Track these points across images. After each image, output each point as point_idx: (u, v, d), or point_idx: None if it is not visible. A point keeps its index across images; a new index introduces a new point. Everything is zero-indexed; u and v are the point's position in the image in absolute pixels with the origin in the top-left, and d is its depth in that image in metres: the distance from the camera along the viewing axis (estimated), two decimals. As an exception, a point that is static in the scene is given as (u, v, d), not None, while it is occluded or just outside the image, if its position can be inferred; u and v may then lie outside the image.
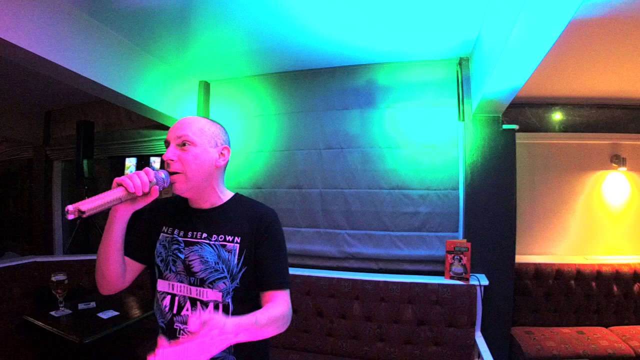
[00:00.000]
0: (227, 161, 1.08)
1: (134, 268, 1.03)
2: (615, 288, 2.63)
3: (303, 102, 2.72)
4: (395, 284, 2.28)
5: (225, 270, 0.97)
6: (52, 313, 2.30)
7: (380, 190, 2.51)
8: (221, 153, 1.05)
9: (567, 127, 2.99)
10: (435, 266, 2.39)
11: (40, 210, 3.86)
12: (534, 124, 2.99)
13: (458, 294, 2.20)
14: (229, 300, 0.97)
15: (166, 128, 2.92)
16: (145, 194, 0.89)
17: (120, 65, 2.19)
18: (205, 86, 2.97)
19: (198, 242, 1.00)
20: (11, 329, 2.48)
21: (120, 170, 3.73)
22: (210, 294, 0.96)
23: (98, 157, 3.67)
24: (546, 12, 1.22)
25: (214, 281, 0.97)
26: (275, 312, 0.91)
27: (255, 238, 1.00)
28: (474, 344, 2.13)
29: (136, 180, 0.86)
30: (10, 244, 4.24)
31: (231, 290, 0.97)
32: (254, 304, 1.00)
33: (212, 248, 0.99)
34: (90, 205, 0.78)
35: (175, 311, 0.98)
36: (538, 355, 2.25)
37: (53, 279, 2.31)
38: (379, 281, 2.31)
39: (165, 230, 1.04)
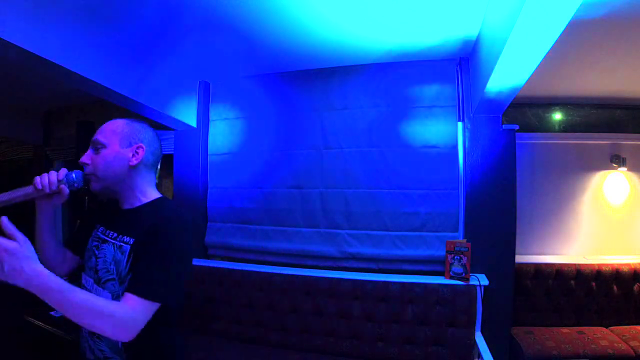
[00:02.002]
0: (141, 160, 1.05)
1: (73, 259, 1.14)
2: (615, 288, 2.63)
3: (303, 102, 2.72)
4: (395, 284, 2.28)
5: (115, 271, 0.98)
6: (52, 313, 2.30)
7: (380, 190, 2.51)
8: (135, 152, 1.05)
9: (567, 127, 2.99)
10: (435, 266, 2.39)
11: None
12: (534, 124, 2.99)
13: (458, 294, 2.20)
14: None
15: (166, 128, 2.92)
16: (55, 192, 0.99)
17: (120, 65, 2.18)
18: (205, 86, 2.97)
19: (108, 241, 1.03)
20: (11, 329, 2.48)
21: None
22: (103, 294, 0.98)
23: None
24: (546, 12, 1.22)
25: (105, 282, 0.99)
26: (105, 304, 0.86)
27: (145, 245, 0.96)
28: (474, 344, 2.13)
29: (45, 179, 0.97)
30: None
31: (120, 293, 0.95)
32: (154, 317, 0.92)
33: (113, 248, 1.01)
34: (3, 199, 0.94)
35: None
36: (538, 355, 2.25)
37: (53, 279, 2.30)
38: (379, 281, 2.31)
39: (96, 228, 1.09)
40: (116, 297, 0.96)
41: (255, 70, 2.77)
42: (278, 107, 2.78)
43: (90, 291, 1.00)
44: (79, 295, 0.83)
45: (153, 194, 1.09)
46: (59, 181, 1.00)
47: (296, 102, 2.74)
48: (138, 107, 2.46)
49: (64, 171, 1.01)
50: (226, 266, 2.61)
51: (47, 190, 0.98)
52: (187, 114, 2.85)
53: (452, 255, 2.27)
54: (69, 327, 2.15)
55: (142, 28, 2.08)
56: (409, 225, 2.45)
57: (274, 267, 2.59)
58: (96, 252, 1.03)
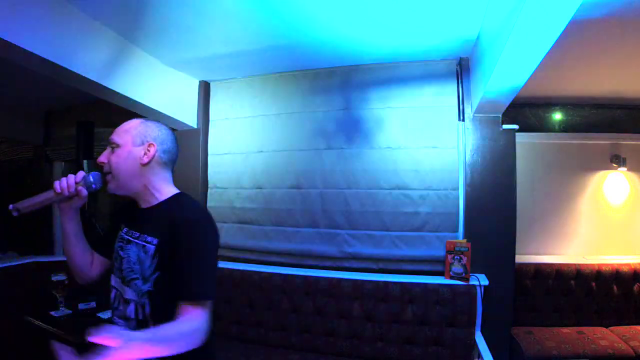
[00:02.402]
0: (152, 157, 1.05)
1: (101, 261, 1.16)
2: (615, 288, 2.63)
3: (303, 102, 2.72)
4: (395, 284, 2.28)
5: (139, 271, 0.99)
6: (52, 313, 2.30)
7: (380, 190, 2.51)
8: (146, 150, 1.05)
9: (567, 127, 2.99)
10: (435, 266, 2.39)
11: (40, 211, 3.85)
12: (534, 124, 2.99)
13: (458, 294, 2.20)
14: (145, 301, 0.98)
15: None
16: (73, 195, 1.02)
17: (120, 65, 2.18)
18: (205, 86, 2.97)
19: (131, 241, 1.04)
20: (11, 329, 2.48)
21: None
22: (129, 292, 1.01)
23: (98, 157, 3.67)
24: (546, 12, 1.22)
25: (129, 280, 1.01)
26: (177, 328, 0.89)
27: (172, 244, 0.96)
28: (474, 344, 2.13)
29: (63, 183, 1.00)
30: (11, 244, 4.24)
31: (145, 291, 0.98)
32: (173, 311, 0.93)
33: (137, 247, 1.02)
34: (25, 204, 0.98)
35: (115, 305, 1.06)
36: (538, 355, 2.25)
37: (53, 279, 2.31)
38: (379, 281, 2.31)
39: (121, 229, 1.11)
40: (143, 295, 0.98)
41: (255, 70, 2.77)
42: (278, 107, 2.78)
43: (118, 291, 1.05)
44: (159, 333, 0.87)
45: (169, 191, 1.09)
46: (77, 183, 1.02)
47: (296, 102, 2.73)
48: (138, 107, 2.46)
49: (81, 174, 1.04)
50: (226, 266, 2.61)
51: (66, 194, 1.01)
52: (187, 114, 2.85)
53: (452, 255, 2.27)
54: (69, 328, 2.15)
55: (142, 28, 2.07)
56: (409, 225, 2.45)
57: (274, 267, 2.59)
58: (121, 253, 1.05)
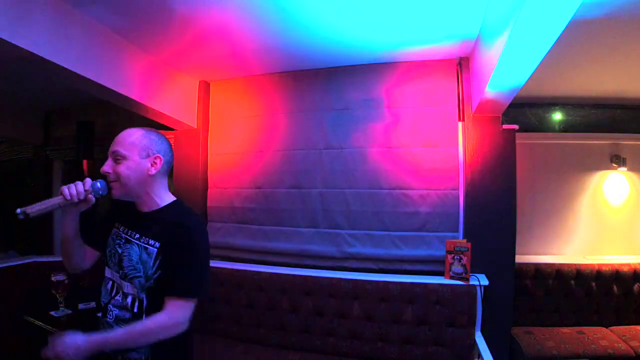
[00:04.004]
0: (159, 169, 1.17)
1: (93, 253, 1.25)
2: (615, 288, 2.63)
3: (303, 102, 2.72)
4: (395, 284, 2.28)
5: (142, 270, 1.11)
6: (52, 313, 2.30)
7: (380, 190, 2.51)
8: (153, 162, 1.16)
9: (567, 127, 2.99)
10: (435, 266, 2.39)
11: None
12: (534, 124, 2.99)
13: (458, 294, 2.20)
14: (143, 296, 1.11)
15: (167, 128, 2.92)
16: (81, 201, 1.08)
17: (121, 65, 2.19)
18: (205, 86, 2.97)
19: (131, 241, 1.15)
20: (11, 329, 2.48)
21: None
22: (129, 288, 1.12)
23: (98, 157, 3.67)
24: (546, 12, 1.22)
25: (132, 278, 1.11)
26: (158, 321, 1.06)
27: (171, 247, 1.10)
28: (474, 344, 2.13)
29: (72, 189, 1.06)
30: (12, 244, 4.24)
31: (145, 288, 1.10)
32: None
33: (138, 248, 1.13)
34: (34, 209, 0.99)
35: (113, 294, 1.16)
36: (538, 355, 2.25)
37: (53, 279, 2.31)
38: (379, 281, 2.30)
39: (117, 227, 1.21)
40: (142, 290, 1.10)
41: (255, 70, 2.77)
42: (278, 107, 2.78)
43: (116, 283, 1.16)
44: (137, 330, 1.05)
45: (168, 198, 1.21)
46: (86, 191, 1.09)
47: (296, 102, 2.73)
48: (138, 107, 2.46)
49: (89, 181, 1.10)
50: (226, 266, 2.61)
51: (76, 200, 1.07)
52: (187, 114, 2.85)
53: (452, 255, 2.27)
54: (69, 328, 2.15)
55: (142, 28, 2.07)
56: (409, 225, 2.45)
57: (274, 267, 2.59)
58: (119, 250, 1.16)
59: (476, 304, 2.18)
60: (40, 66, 1.76)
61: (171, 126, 2.89)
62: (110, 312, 1.14)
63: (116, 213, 1.24)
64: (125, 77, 2.23)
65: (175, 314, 1.07)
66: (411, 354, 2.19)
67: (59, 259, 3.16)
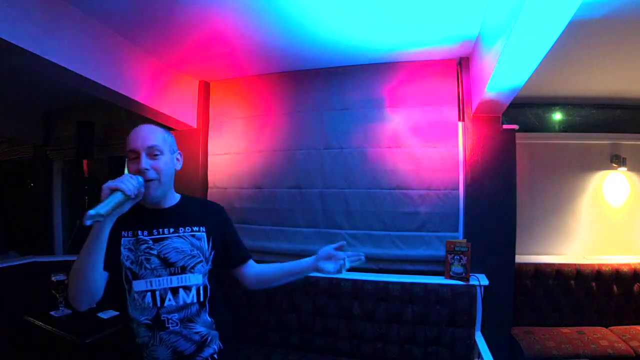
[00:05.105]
0: (181, 165, 1.22)
1: (105, 278, 1.05)
2: (615, 288, 2.63)
3: (303, 102, 2.72)
4: (395, 284, 2.28)
5: (201, 254, 1.14)
6: (52, 313, 2.30)
7: (380, 190, 2.51)
8: (177, 159, 1.20)
9: (567, 127, 2.99)
10: (435, 266, 2.39)
11: (40, 210, 3.85)
12: (534, 124, 2.99)
13: (458, 294, 2.20)
14: (207, 281, 1.15)
15: (167, 128, 2.91)
16: (136, 197, 0.99)
17: (120, 65, 2.19)
18: (205, 86, 2.97)
19: (167, 237, 1.11)
20: (11, 329, 2.48)
21: (120, 171, 3.72)
22: (193, 279, 1.11)
23: (98, 157, 3.67)
24: (546, 12, 1.22)
25: (194, 266, 1.12)
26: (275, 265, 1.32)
27: (218, 227, 1.21)
28: (474, 344, 2.13)
29: (130, 184, 0.96)
30: (12, 244, 4.24)
31: (207, 271, 1.15)
32: (221, 284, 1.23)
33: (183, 239, 1.13)
34: (106, 208, 0.89)
35: (159, 304, 1.08)
36: (538, 355, 2.25)
37: (53, 279, 2.31)
38: (379, 281, 2.31)
39: (126, 235, 1.09)
40: (205, 275, 1.14)
41: (255, 70, 2.77)
42: (278, 107, 2.78)
43: (159, 290, 1.08)
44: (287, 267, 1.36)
45: (176, 193, 1.23)
46: (139, 185, 1.00)
47: (296, 102, 2.73)
48: (138, 107, 2.46)
49: (133, 176, 1.00)
50: (226, 266, 2.61)
51: (133, 196, 0.97)
52: (187, 114, 2.85)
53: (452, 255, 2.27)
54: (69, 328, 2.15)
55: (142, 28, 2.07)
56: (409, 225, 2.45)
57: (274, 267, 2.58)
58: (153, 253, 1.09)
59: (476, 304, 2.18)
60: (39, 65, 1.76)
61: (171, 126, 2.89)
62: (171, 321, 1.07)
63: (119, 223, 1.02)
64: (125, 78, 2.23)
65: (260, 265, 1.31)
66: (411, 354, 2.19)
67: (59, 258, 3.18)
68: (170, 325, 1.07)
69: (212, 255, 1.17)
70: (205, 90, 2.96)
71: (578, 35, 1.84)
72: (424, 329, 2.20)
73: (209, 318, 1.15)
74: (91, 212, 0.86)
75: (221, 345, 1.18)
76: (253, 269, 1.31)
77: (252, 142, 2.83)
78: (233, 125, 2.90)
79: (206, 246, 1.16)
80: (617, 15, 1.69)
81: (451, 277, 2.26)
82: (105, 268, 1.02)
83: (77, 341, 1.98)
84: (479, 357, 2.04)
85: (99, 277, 1.00)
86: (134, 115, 2.65)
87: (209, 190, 2.94)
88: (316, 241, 2.61)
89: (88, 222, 0.86)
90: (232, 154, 2.88)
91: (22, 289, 2.63)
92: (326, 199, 2.61)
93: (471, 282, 2.21)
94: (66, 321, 2.24)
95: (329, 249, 1.26)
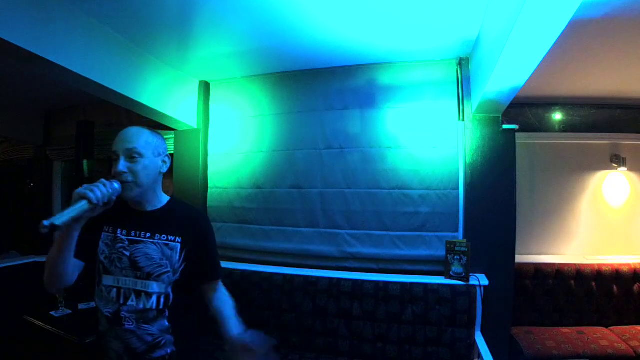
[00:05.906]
0: (168, 168, 1.20)
1: (79, 266, 1.13)
2: (615, 288, 2.63)
3: (303, 102, 2.72)
4: (395, 284, 2.28)
5: (169, 265, 1.13)
6: (52, 313, 2.30)
7: (380, 190, 2.51)
8: (164, 161, 1.18)
9: (567, 127, 2.99)
10: (435, 266, 2.39)
11: (40, 210, 3.86)
12: (534, 124, 2.99)
13: (458, 294, 2.20)
14: (170, 291, 1.13)
15: (167, 128, 2.92)
16: (105, 204, 1.00)
17: (121, 65, 2.19)
18: (205, 86, 2.97)
19: (142, 241, 1.13)
20: (11, 329, 2.48)
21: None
22: (155, 287, 1.11)
23: (98, 157, 3.67)
24: (546, 12, 1.22)
25: (159, 275, 1.11)
26: (230, 307, 1.28)
27: (195, 239, 1.18)
28: (474, 344, 2.13)
29: (98, 193, 0.97)
30: (12, 244, 4.25)
31: (172, 282, 1.13)
32: (188, 293, 1.19)
33: (156, 246, 1.13)
34: (61, 219, 0.88)
35: (122, 302, 1.11)
36: (538, 355, 2.25)
37: (53, 279, 2.30)
38: (379, 281, 2.31)
39: (107, 230, 1.14)
40: (169, 285, 1.13)
41: (255, 70, 2.77)
42: (278, 107, 2.78)
43: (123, 289, 1.11)
44: (234, 317, 1.31)
45: (165, 196, 1.23)
46: (110, 192, 1.01)
47: (296, 102, 2.73)
48: (138, 107, 2.46)
49: (107, 183, 1.02)
50: (226, 266, 2.61)
51: (101, 204, 0.98)
52: (187, 114, 2.85)
53: (452, 255, 2.27)
54: (69, 328, 2.15)
55: (142, 28, 2.07)
56: (409, 225, 2.45)
57: (274, 267, 2.59)
58: (126, 253, 1.11)
59: (476, 304, 2.18)
60: (39, 65, 1.76)
61: (171, 126, 2.89)
62: (128, 319, 1.10)
63: (98, 216, 1.05)
64: (126, 78, 2.23)
65: (226, 292, 1.28)
66: (411, 354, 2.19)
67: (59, 259, 3.15)
68: (126, 323, 1.10)
69: (181, 267, 1.14)
70: (205, 90, 2.96)
71: (578, 35, 1.84)
72: (424, 329, 2.20)
73: (167, 323, 1.13)
74: (46, 222, 0.86)
75: (174, 349, 1.16)
76: (217, 292, 1.26)
77: (252, 142, 2.83)
78: (233, 125, 2.90)
79: (177, 257, 1.14)
80: (617, 15, 1.69)
81: (451, 277, 2.26)
82: (82, 257, 1.10)
83: (77, 341, 1.99)
84: (479, 357, 2.04)
85: (71, 268, 1.08)
86: (134, 115, 2.65)
87: (209, 190, 2.94)
88: (316, 241, 2.61)
89: (43, 231, 0.86)
90: (232, 154, 2.88)
91: (22, 289, 2.64)
92: (326, 199, 2.61)
93: (471, 282, 2.21)
94: (66, 321, 2.24)
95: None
